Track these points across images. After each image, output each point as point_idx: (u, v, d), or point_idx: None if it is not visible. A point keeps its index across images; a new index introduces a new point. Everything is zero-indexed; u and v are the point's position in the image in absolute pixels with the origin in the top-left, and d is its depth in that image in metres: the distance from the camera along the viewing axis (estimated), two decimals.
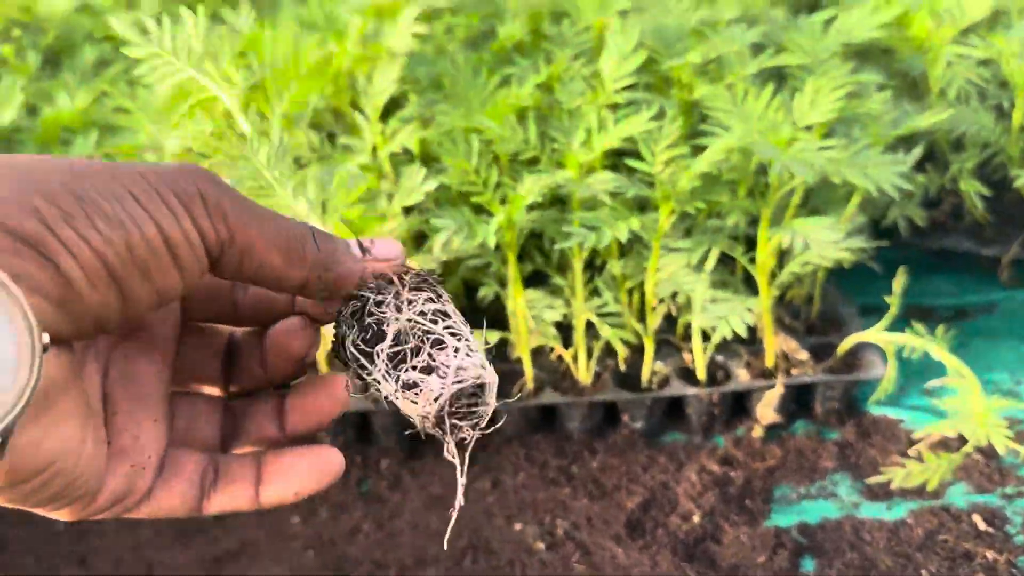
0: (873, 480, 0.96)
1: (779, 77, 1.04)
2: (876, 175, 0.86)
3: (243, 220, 0.39)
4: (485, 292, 1.08)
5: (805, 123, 0.88)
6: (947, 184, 1.20)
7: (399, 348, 0.42)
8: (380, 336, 0.43)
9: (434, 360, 0.42)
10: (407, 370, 0.42)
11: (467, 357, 0.42)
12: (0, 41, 1.51)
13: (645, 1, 1.07)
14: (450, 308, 0.45)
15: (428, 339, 0.43)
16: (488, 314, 1.15)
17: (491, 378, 0.42)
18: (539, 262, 1.10)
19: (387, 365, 0.43)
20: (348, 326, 0.44)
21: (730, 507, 0.96)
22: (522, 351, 1.06)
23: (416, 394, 0.41)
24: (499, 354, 1.10)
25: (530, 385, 1.06)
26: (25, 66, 1.33)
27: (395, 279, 0.45)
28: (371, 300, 0.44)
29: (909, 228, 1.20)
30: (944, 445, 0.99)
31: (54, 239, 0.34)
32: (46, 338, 0.34)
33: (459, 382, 0.42)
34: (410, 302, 0.44)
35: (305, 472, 0.45)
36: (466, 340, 0.44)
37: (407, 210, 0.99)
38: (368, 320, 0.44)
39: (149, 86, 1.21)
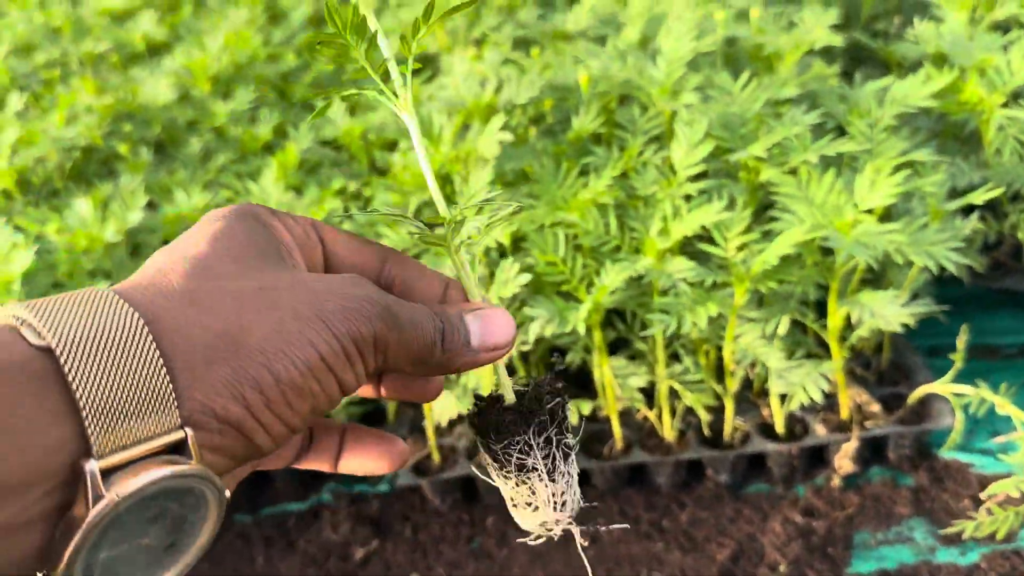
0: (947, 530, 1.03)
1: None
2: (935, 252, 0.93)
3: (396, 348, 0.45)
4: (572, 358, 1.18)
5: (866, 206, 0.96)
6: (1006, 230, 1.26)
7: (516, 474, 0.54)
8: (503, 460, 0.55)
9: (536, 493, 0.54)
10: (520, 487, 0.54)
11: (562, 497, 0.54)
12: (110, 133, 1.66)
13: (711, 88, 1.15)
14: (565, 431, 0.56)
15: (541, 468, 0.55)
16: (575, 373, 1.26)
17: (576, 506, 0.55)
18: (621, 329, 1.19)
19: (506, 482, 0.55)
20: (480, 435, 0.55)
21: (814, 556, 1.05)
22: (610, 413, 1.15)
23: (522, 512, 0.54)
24: (589, 415, 1.20)
25: (619, 445, 1.16)
26: (140, 163, 1.46)
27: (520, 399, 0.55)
28: (503, 419, 0.55)
29: (970, 273, 1.26)
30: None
31: (255, 422, 0.40)
32: (228, 493, 0.40)
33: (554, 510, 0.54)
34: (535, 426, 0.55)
35: (375, 457, 0.54)
36: (564, 473, 0.56)
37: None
38: (498, 439, 0.54)
39: (257, 179, 1.34)
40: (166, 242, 1.33)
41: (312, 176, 1.38)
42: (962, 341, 1.06)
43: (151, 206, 1.39)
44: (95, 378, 0.35)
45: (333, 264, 0.50)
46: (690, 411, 1.18)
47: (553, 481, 0.54)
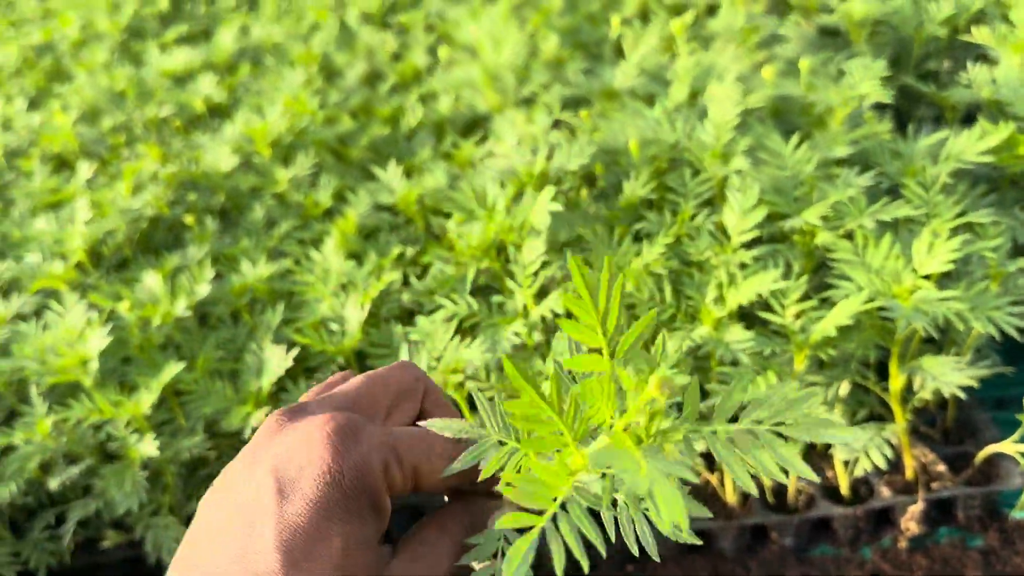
0: None
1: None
2: (997, 317, 0.93)
3: None
4: None
5: (924, 272, 0.96)
6: None
7: None
8: None
9: None
10: None
11: None
12: (175, 202, 1.72)
13: (761, 151, 1.16)
14: None
15: None
16: None
17: None
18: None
19: None
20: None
21: None
22: None
23: None
24: None
25: None
26: (206, 234, 1.52)
27: None
28: None
29: None
30: None
31: None
32: None
33: None
34: None
35: None
36: None
37: None
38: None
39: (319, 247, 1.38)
40: (234, 315, 1.37)
41: (371, 241, 1.41)
42: None
43: (217, 275, 1.44)
44: None
45: (418, 483, 0.51)
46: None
47: None
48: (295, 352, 1.15)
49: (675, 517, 0.36)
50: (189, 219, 1.55)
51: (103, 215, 1.59)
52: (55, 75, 3.18)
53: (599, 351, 0.44)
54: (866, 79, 1.27)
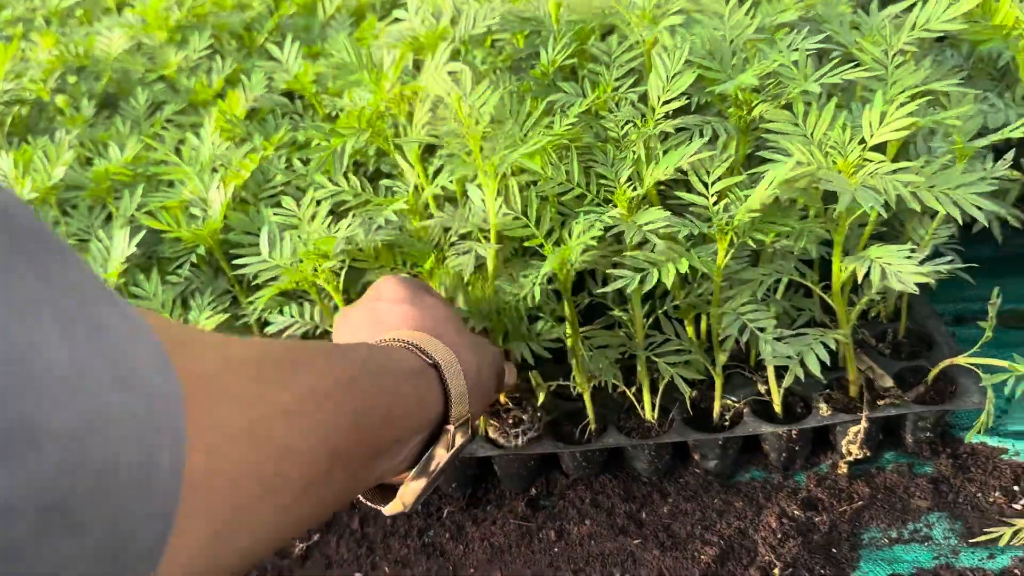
0: (978, 539, 0.87)
1: (849, 83, 0.96)
2: (961, 197, 0.77)
3: (500, 374, 0.84)
4: (542, 328, 1.03)
5: (875, 142, 0.80)
6: None
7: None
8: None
9: None
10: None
11: None
12: (55, 90, 1.53)
13: (698, 14, 0.99)
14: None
15: None
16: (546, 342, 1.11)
17: None
18: (596, 293, 1.04)
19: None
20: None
21: (814, 557, 0.89)
22: (582, 390, 1.00)
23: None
24: (561, 392, 1.06)
25: (593, 426, 1.01)
26: (79, 117, 1.33)
27: None
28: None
29: (1004, 231, 1.09)
30: None
31: (479, 412, 0.79)
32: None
33: None
34: None
35: None
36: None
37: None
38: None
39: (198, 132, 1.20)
40: (93, 202, 1.20)
41: (264, 128, 1.23)
42: (994, 306, 0.90)
43: (89, 161, 1.26)
44: (451, 382, 0.68)
45: None
46: (674, 387, 1.03)
47: None
48: (140, 236, 0.98)
49: None
50: (61, 101, 1.36)
51: None
52: None
53: None
54: None
